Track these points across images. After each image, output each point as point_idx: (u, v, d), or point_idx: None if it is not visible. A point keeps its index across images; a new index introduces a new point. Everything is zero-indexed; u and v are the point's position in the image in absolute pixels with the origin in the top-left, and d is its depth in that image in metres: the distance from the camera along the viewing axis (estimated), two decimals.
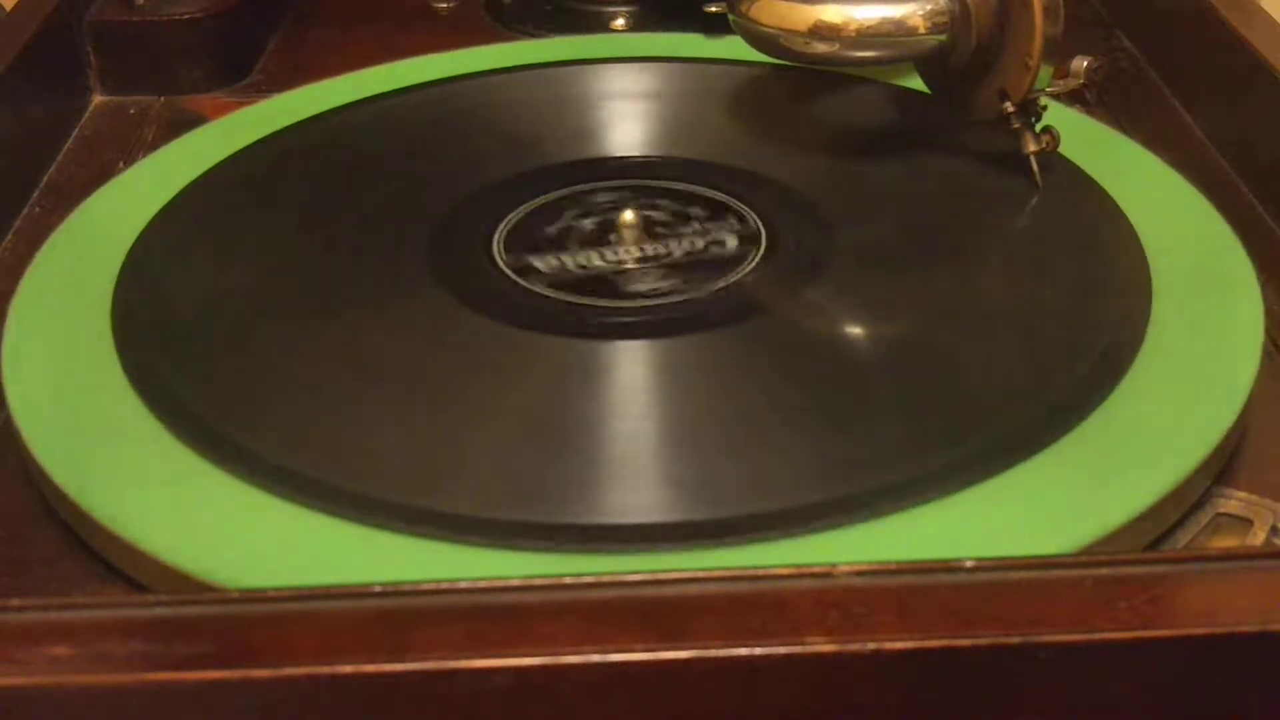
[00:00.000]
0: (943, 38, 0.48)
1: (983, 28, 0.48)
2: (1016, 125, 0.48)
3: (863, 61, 0.50)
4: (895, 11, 0.48)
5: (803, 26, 0.48)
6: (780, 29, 0.48)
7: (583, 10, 0.66)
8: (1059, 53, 0.47)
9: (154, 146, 0.56)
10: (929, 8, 0.48)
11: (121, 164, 0.55)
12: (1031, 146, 0.48)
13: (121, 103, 0.60)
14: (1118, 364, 0.40)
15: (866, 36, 0.48)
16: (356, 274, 0.46)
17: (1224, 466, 0.39)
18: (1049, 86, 0.48)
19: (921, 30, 0.48)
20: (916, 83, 0.54)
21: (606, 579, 0.30)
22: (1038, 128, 0.48)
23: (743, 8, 0.49)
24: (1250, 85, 0.52)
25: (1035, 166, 0.48)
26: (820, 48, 0.48)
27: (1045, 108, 0.48)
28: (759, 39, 0.50)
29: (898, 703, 0.29)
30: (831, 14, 0.48)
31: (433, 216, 0.48)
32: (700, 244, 0.46)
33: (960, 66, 0.49)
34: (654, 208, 0.48)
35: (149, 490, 0.37)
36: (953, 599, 0.29)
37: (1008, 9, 0.47)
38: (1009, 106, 0.48)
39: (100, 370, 0.41)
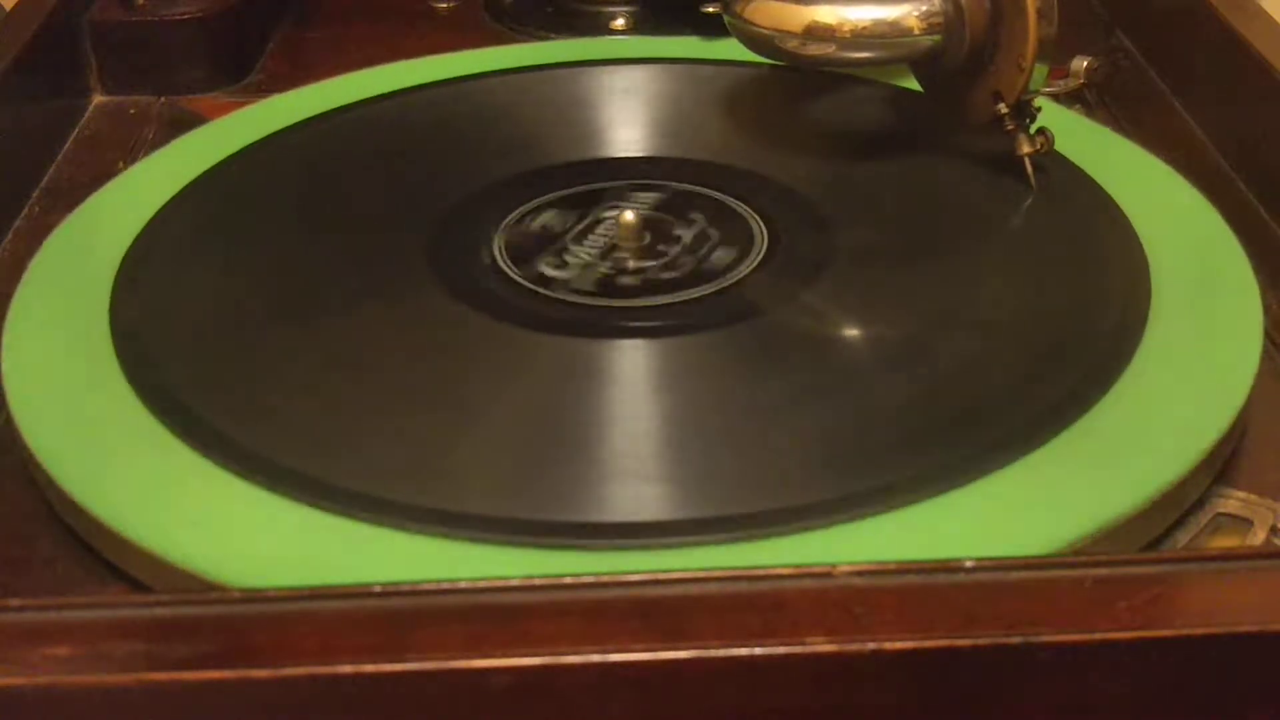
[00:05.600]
0: (937, 39, 0.48)
1: (976, 29, 0.48)
2: (1010, 127, 0.48)
3: (857, 63, 0.50)
4: (889, 13, 0.48)
5: (797, 28, 0.48)
6: (774, 30, 0.48)
7: (583, 11, 0.66)
8: (1058, 52, 0.47)
9: (154, 146, 0.56)
10: (923, 9, 0.48)
11: (121, 164, 0.55)
12: (1026, 148, 0.48)
13: (121, 103, 0.60)
14: (1117, 363, 0.40)
15: (860, 38, 0.48)
16: (356, 273, 0.46)
17: (1224, 466, 0.39)
18: (1046, 87, 0.48)
19: (916, 31, 0.48)
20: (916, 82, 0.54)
21: (606, 579, 0.30)
22: (1032, 129, 0.48)
23: (737, 8, 0.49)
24: (1250, 85, 0.52)
25: (1029, 168, 0.48)
26: (814, 49, 0.48)
27: (1040, 109, 0.48)
28: (754, 40, 0.50)
29: (898, 703, 0.29)
30: (825, 15, 0.48)
31: (433, 216, 0.48)
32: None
33: (954, 68, 0.49)
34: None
35: (149, 489, 0.37)
36: (953, 599, 0.29)
37: (1001, 10, 0.47)
38: (1003, 108, 0.48)
39: (100, 370, 0.41)
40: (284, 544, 0.35)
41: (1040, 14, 0.46)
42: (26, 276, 0.45)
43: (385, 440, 0.39)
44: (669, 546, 0.35)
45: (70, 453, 0.38)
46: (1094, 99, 0.58)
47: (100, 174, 0.54)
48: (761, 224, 0.47)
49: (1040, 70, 0.47)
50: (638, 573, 0.30)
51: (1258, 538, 0.37)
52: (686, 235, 0.47)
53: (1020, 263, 0.46)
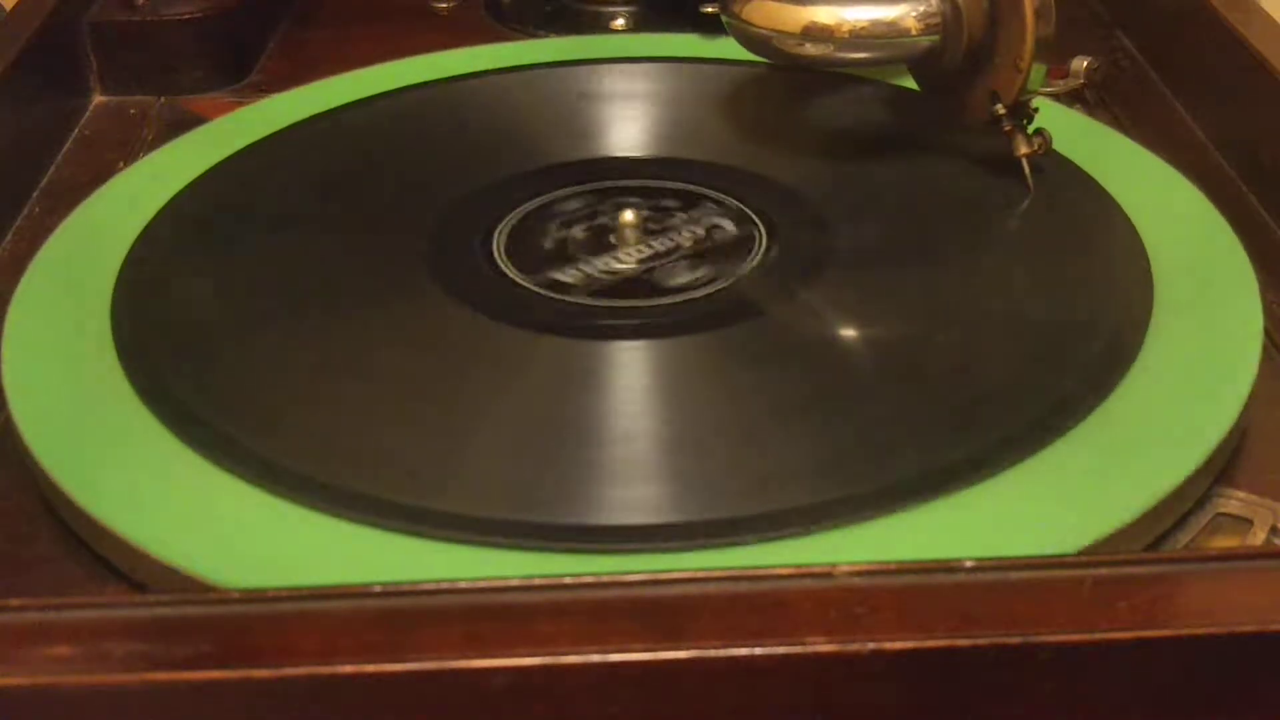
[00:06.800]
0: (935, 39, 0.48)
1: (974, 29, 0.48)
2: (1008, 128, 0.48)
3: (855, 63, 0.50)
4: (887, 13, 0.48)
5: (795, 28, 0.48)
6: (773, 30, 0.48)
7: (583, 10, 0.66)
8: (1058, 52, 0.47)
9: (154, 146, 0.56)
10: (921, 9, 0.48)
11: (121, 164, 0.55)
12: (1023, 149, 0.48)
13: (121, 103, 0.60)
14: (1117, 364, 0.40)
15: (859, 38, 0.48)
16: (356, 274, 0.46)
17: (1224, 466, 0.39)
18: (1045, 87, 0.48)
19: (914, 32, 0.48)
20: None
21: (606, 579, 0.30)
22: (1030, 129, 0.48)
23: (735, 9, 0.49)
24: (1250, 85, 0.52)
25: (1027, 169, 0.48)
26: (812, 49, 0.48)
27: (1037, 110, 0.48)
28: (752, 40, 0.50)
29: (898, 703, 0.29)
30: (824, 16, 0.48)
31: (433, 216, 0.48)
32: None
33: (952, 68, 0.49)
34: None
35: (148, 489, 0.37)
36: (953, 599, 0.29)
37: (999, 11, 0.47)
38: (1000, 109, 0.48)
39: (100, 370, 0.41)
40: (284, 544, 0.35)
41: (1038, 14, 0.46)
42: (27, 276, 0.45)
43: (385, 441, 0.39)
44: (669, 549, 0.35)
45: (70, 453, 0.38)
46: (1094, 99, 0.58)
47: (100, 174, 0.54)
48: (761, 224, 0.47)
49: (1038, 71, 0.47)
50: (638, 573, 0.30)
51: (1258, 538, 0.37)
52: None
53: (1020, 263, 0.46)
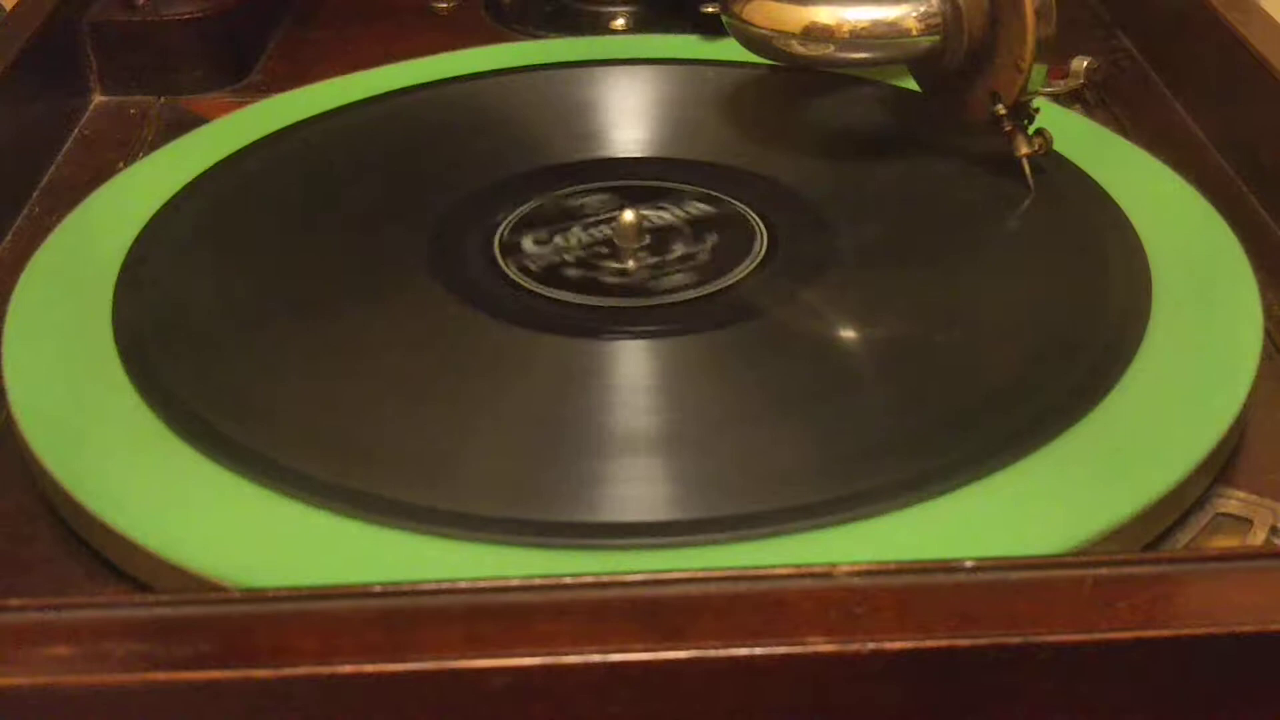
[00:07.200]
0: (935, 39, 0.48)
1: (975, 29, 0.48)
2: (1009, 128, 0.48)
3: (855, 63, 0.50)
4: (888, 13, 0.48)
5: (795, 28, 0.48)
6: (773, 30, 0.48)
7: (583, 11, 0.66)
8: (1058, 52, 0.47)
9: (154, 146, 0.56)
10: (921, 9, 0.48)
11: (121, 164, 0.55)
12: (1024, 149, 0.48)
13: (121, 103, 0.61)
14: (1118, 363, 0.40)
15: (859, 38, 0.48)
16: (356, 273, 0.46)
17: (1224, 466, 0.39)
18: (1045, 87, 0.48)
19: (914, 32, 0.48)
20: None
21: (606, 579, 0.30)
22: (1030, 130, 0.48)
23: (736, 9, 0.49)
24: (1250, 85, 0.52)
25: (1027, 169, 0.48)
26: (813, 50, 0.48)
27: (1038, 110, 0.48)
28: (752, 40, 0.50)
29: (898, 703, 0.29)
30: (824, 16, 0.48)
31: (433, 216, 0.48)
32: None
33: (953, 68, 0.49)
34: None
35: (149, 489, 0.37)
36: (953, 599, 0.29)
37: (1000, 11, 0.47)
38: (1001, 109, 0.48)
39: (100, 369, 0.41)
40: (284, 544, 0.35)
41: (1039, 14, 0.46)
42: (26, 276, 0.45)
43: (386, 440, 0.39)
44: (669, 546, 0.35)
45: (70, 452, 0.38)
46: (1094, 99, 0.58)
47: (100, 174, 0.54)
48: (761, 224, 0.47)
49: (1039, 71, 0.47)
50: (638, 573, 0.30)
51: (1258, 538, 0.37)
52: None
53: (1020, 263, 0.46)
